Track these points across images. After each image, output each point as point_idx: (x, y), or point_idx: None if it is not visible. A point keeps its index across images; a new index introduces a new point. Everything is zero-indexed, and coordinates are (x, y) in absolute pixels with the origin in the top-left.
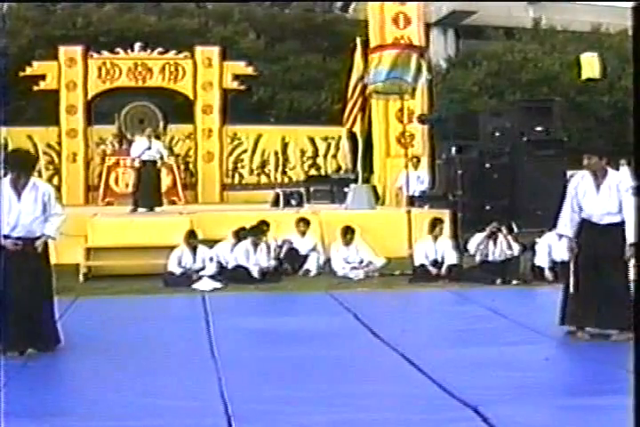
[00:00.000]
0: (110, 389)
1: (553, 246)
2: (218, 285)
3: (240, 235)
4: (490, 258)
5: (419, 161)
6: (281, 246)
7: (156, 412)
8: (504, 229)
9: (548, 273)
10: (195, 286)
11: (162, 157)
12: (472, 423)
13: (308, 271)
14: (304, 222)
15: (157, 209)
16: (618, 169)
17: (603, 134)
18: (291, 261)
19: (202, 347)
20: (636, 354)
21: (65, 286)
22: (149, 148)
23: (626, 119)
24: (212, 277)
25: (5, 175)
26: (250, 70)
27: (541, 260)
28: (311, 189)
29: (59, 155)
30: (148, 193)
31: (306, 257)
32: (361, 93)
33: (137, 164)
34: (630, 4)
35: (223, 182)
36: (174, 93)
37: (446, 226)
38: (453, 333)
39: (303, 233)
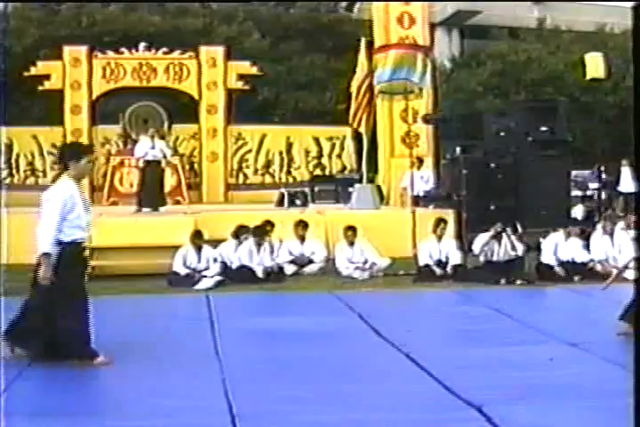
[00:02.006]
0: (114, 388)
1: (559, 246)
2: (219, 278)
3: (239, 233)
4: (494, 258)
5: (421, 162)
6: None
7: (161, 411)
8: (508, 230)
9: (558, 269)
10: (197, 286)
11: (165, 157)
12: (476, 423)
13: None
14: (302, 226)
15: (161, 209)
16: (619, 170)
17: (607, 134)
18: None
19: (206, 347)
20: (636, 354)
21: None
22: (153, 147)
23: (630, 119)
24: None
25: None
26: (254, 70)
27: (548, 258)
28: (316, 188)
29: None
30: (151, 193)
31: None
32: (365, 93)
33: (141, 164)
34: (631, 4)
35: (227, 182)
36: (179, 93)
37: (451, 226)
38: (458, 333)
39: (302, 237)
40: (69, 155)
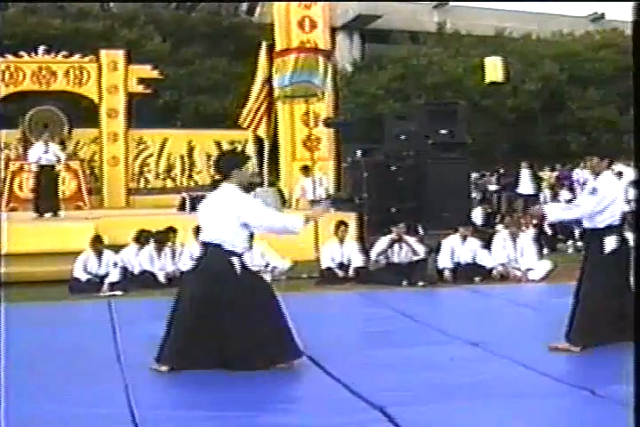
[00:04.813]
0: (14, 397)
1: (456, 249)
2: (118, 293)
3: (140, 238)
4: (396, 260)
5: (307, 169)
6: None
7: (63, 420)
8: (404, 237)
9: (447, 274)
10: (99, 293)
11: (59, 161)
12: (379, 424)
13: None
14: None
15: (60, 213)
16: (518, 171)
17: (506, 137)
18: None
19: (108, 353)
20: (637, 356)
21: None
22: (46, 152)
23: (529, 122)
24: (116, 283)
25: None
26: (155, 74)
27: (444, 261)
28: None
29: None
30: (48, 198)
31: None
32: (266, 97)
33: (35, 169)
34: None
35: (129, 187)
36: (79, 97)
37: (352, 229)
38: (361, 334)
39: None
40: (231, 164)
